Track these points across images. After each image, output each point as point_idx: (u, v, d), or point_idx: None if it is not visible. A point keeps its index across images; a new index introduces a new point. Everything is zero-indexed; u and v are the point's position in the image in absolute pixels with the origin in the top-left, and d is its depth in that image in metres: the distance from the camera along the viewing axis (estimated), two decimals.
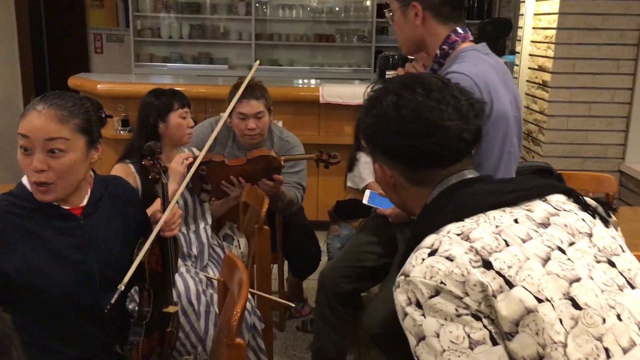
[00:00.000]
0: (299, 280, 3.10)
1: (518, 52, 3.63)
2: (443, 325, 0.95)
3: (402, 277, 1.01)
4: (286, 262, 2.99)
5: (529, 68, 3.45)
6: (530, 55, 3.44)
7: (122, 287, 1.45)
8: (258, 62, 1.25)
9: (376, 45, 6.00)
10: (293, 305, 2.57)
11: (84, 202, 1.53)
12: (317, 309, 2.35)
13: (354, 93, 4.15)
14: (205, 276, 2.19)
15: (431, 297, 0.97)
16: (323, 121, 4.35)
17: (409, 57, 2.16)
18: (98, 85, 4.10)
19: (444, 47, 1.64)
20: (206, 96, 4.22)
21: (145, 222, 1.68)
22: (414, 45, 1.71)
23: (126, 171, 2.22)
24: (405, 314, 1.00)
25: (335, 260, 2.32)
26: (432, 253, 1.00)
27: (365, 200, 2.25)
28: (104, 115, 1.54)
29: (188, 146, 2.46)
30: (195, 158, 2.27)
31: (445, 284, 0.96)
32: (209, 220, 2.42)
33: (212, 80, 5.15)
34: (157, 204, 1.66)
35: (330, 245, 2.93)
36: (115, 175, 1.79)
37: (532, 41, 3.41)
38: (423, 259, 1.00)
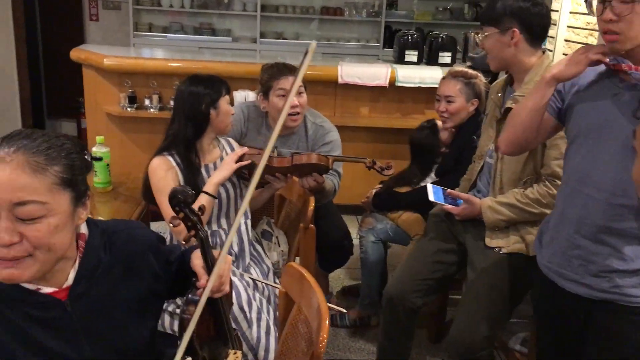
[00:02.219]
0: (326, 273, 3.00)
1: (552, 37, 3.50)
2: None
3: None
4: None
5: (563, 54, 3.33)
6: (566, 40, 3.31)
7: None
8: (315, 43, 1.04)
9: (386, 20, 5.81)
10: (345, 311, 2.46)
11: (71, 280, 1.12)
12: (383, 327, 2.23)
13: (374, 74, 4.00)
14: (251, 279, 2.06)
15: None
16: (339, 102, 4.20)
17: None
18: (105, 60, 3.88)
19: None
20: (219, 73, 4.02)
21: (172, 272, 1.30)
22: None
23: (167, 165, 2.06)
24: None
25: (401, 275, 2.18)
26: None
27: (431, 198, 2.11)
28: (89, 159, 1.15)
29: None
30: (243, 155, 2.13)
31: None
32: (249, 214, 2.28)
33: (216, 54, 4.93)
34: (199, 256, 1.30)
35: (364, 238, 2.81)
36: (125, 223, 1.32)
37: (569, 26, 3.28)
38: None
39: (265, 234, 2.39)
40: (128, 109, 4.00)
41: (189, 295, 1.27)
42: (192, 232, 1.26)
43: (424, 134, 2.77)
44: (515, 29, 1.89)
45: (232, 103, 2.20)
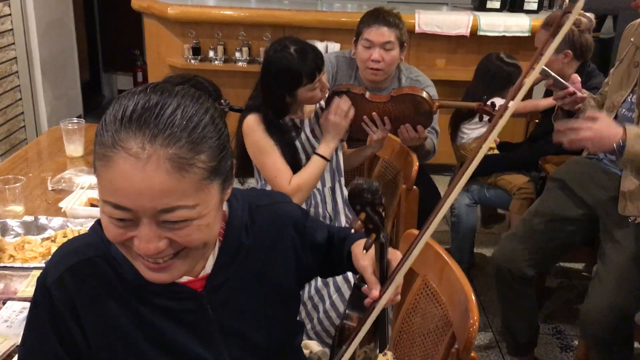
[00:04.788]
0: None
1: None
2: None
3: None
4: None
5: None
6: None
7: None
8: (582, 1, 0.78)
9: None
10: None
11: (209, 269, 0.94)
12: (499, 294, 2.07)
13: (455, 22, 3.71)
14: None
15: None
16: (414, 53, 3.92)
17: None
18: (169, 9, 3.69)
19: None
20: (287, 23, 3.79)
21: (319, 256, 1.11)
22: None
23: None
24: None
25: (512, 241, 2.01)
26: None
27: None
28: (227, 110, 0.93)
29: None
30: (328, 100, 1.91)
31: None
32: (342, 172, 2.09)
33: (277, 3, 4.67)
34: (368, 257, 1.06)
35: (456, 201, 2.61)
36: (268, 196, 1.11)
37: None
38: None
39: None
40: (192, 61, 3.83)
41: (353, 301, 1.07)
42: (373, 237, 0.99)
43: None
44: None
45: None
